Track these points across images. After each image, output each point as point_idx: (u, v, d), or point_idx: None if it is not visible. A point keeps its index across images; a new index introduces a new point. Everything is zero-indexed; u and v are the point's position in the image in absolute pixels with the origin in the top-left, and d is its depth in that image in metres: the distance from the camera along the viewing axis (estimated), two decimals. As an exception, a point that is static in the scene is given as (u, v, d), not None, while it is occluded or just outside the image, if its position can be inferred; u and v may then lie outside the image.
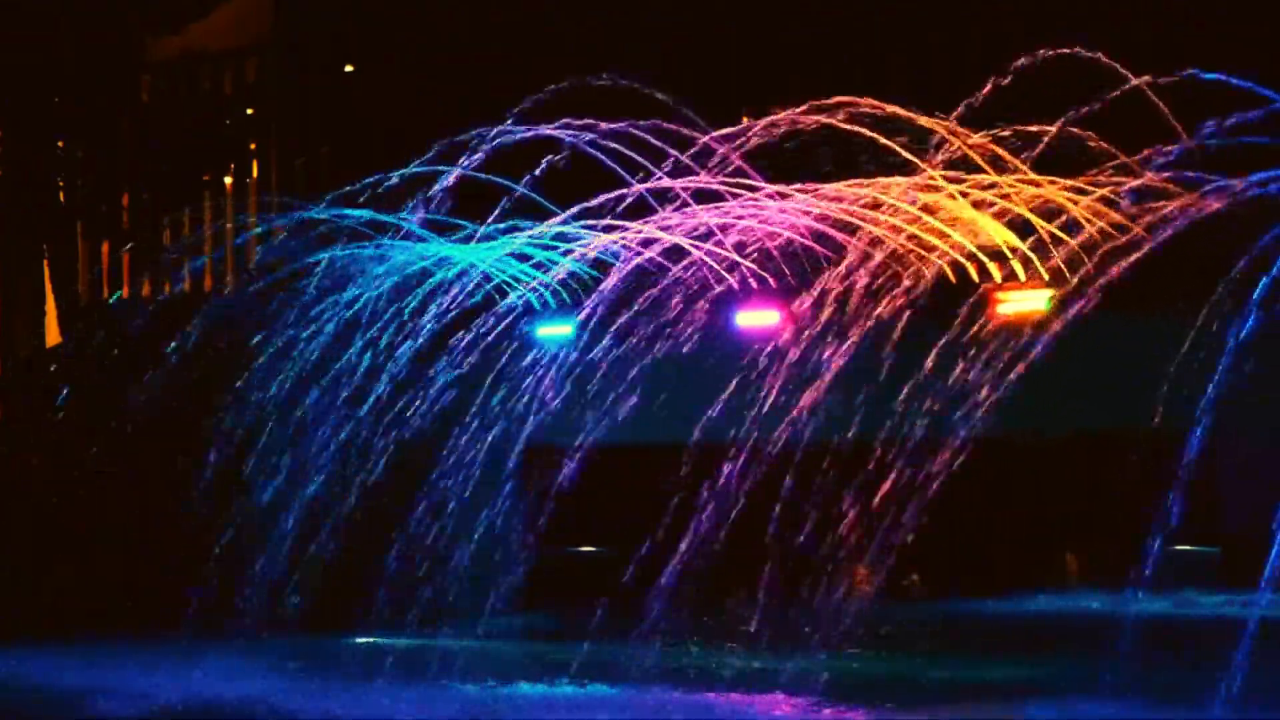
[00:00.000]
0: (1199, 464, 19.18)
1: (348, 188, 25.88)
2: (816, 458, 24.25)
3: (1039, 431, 30.58)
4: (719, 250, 25.81)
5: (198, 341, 28.02)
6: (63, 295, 34.57)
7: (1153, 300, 24.08)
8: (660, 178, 24.34)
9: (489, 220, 26.01)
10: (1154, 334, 23.09)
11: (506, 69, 33.11)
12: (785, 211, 24.69)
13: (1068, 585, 37.03)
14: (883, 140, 23.13)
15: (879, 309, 24.83)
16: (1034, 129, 22.94)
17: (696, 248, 25.73)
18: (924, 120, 23.10)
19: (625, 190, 24.61)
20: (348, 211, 25.98)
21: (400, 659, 25.54)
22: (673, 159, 24.21)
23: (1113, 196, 23.04)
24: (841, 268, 24.97)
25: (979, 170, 23.32)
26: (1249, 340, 19.03)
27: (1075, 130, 22.48)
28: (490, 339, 27.49)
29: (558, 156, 24.63)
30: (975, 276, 24.83)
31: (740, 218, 25.08)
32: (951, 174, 23.31)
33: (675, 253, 26.04)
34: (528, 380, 27.31)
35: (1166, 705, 19.81)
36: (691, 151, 24.13)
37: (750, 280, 26.35)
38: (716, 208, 24.93)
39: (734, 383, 25.01)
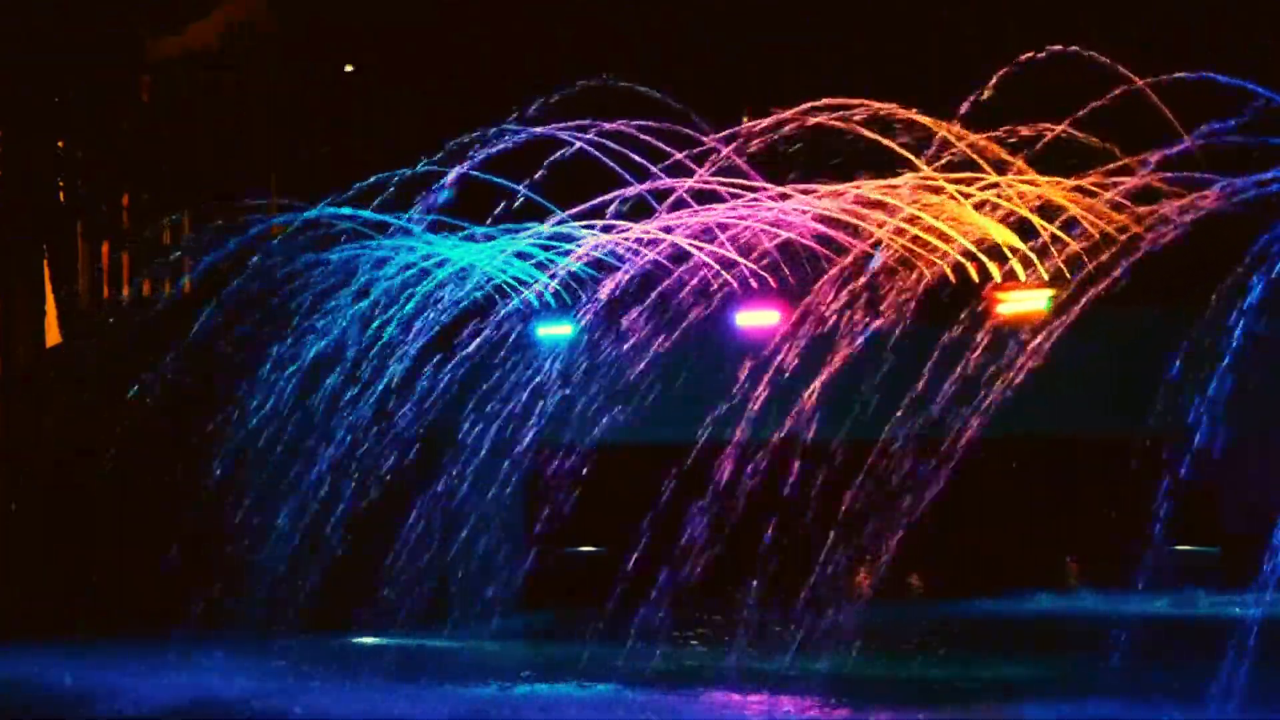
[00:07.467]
0: (1199, 465, 19.20)
1: (348, 188, 25.86)
2: (816, 458, 24.25)
3: (1038, 432, 30.57)
4: (720, 250, 25.81)
5: (198, 341, 27.99)
6: (63, 295, 34.54)
7: (1152, 301, 24.09)
8: (660, 178, 24.34)
9: (489, 220, 26.00)
10: (1153, 334, 23.10)
11: (507, 69, 33.10)
12: (786, 212, 24.69)
13: (1068, 585, 37.03)
14: (884, 140, 23.13)
15: (878, 310, 24.83)
16: (1033, 129, 22.94)
17: (697, 248, 25.73)
18: (924, 120, 23.10)
19: (625, 190, 24.61)
20: (348, 211, 25.96)
21: (400, 659, 25.56)
22: (673, 159, 24.20)
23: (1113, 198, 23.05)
24: (841, 268, 24.97)
25: (979, 171, 23.31)
26: (1249, 341, 19.04)
27: (1075, 131, 22.48)
28: (491, 339, 27.50)
29: (558, 156, 24.63)
30: (975, 276, 24.83)
31: (741, 218, 25.08)
32: (952, 175, 23.31)
33: (676, 253, 26.04)
34: (528, 380, 27.32)
35: (1166, 705, 19.81)
36: (691, 152, 24.12)
37: (750, 280, 26.34)
38: (717, 208, 24.93)
39: (734, 383, 25.02)
